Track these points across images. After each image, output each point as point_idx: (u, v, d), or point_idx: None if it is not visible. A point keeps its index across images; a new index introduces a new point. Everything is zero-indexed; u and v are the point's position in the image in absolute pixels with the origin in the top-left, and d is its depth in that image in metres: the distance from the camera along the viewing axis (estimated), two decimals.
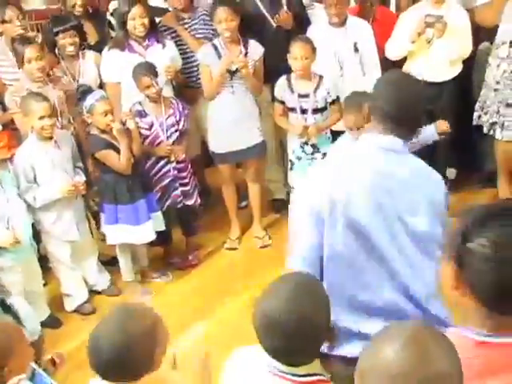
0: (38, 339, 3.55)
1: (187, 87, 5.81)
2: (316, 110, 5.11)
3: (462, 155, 6.04)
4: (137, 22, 5.24)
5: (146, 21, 5.28)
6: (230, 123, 5.43)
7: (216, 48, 5.34)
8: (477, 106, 5.50)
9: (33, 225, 4.84)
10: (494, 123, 5.43)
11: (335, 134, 5.04)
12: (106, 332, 2.37)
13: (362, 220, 2.65)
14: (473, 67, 5.70)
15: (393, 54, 5.50)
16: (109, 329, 2.39)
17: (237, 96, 5.36)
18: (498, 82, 5.35)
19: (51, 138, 4.77)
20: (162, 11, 5.84)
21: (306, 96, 5.10)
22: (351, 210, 2.64)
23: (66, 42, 5.37)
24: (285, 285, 2.28)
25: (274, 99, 5.37)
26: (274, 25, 5.71)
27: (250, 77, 5.30)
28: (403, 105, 2.73)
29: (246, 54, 5.35)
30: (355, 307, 2.77)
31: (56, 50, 5.48)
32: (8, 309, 3.52)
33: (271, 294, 2.25)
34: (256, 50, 5.39)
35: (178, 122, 5.26)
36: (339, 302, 2.65)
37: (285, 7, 5.73)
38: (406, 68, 5.54)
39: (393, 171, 2.68)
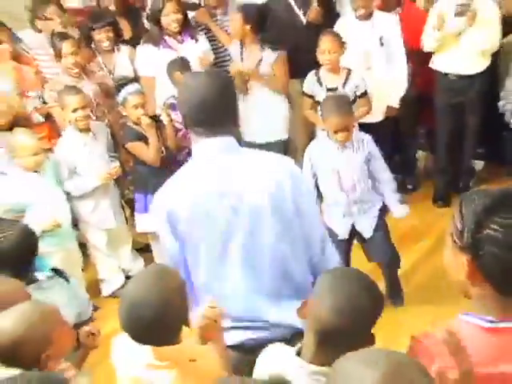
0: (88, 320, 3.52)
1: None
2: None
3: (490, 147, 6.09)
4: (171, 17, 5.39)
5: (180, 17, 5.42)
6: (254, 116, 5.53)
7: (242, 47, 5.50)
8: (501, 94, 5.54)
9: (72, 213, 4.96)
10: None
11: (363, 127, 5.07)
12: (140, 291, 2.37)
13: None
14: (500, 59, 5.73)
15: (428, 45, 5.57)
16: (144, 288, 2.38)
17: (265, 97, 5.52)
18: None
19: (88, 129, 4.93)
20: (194, 6, 5.96)
21: (335, 89, 5.13)
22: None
23: (102, 37, 5.59)
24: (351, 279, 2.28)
25: (303, 93, 5.42)
26: (304, 20, 5.83)
27: (262, 82, 5.45)
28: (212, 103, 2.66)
29: (260, 60, 5.44)
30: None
31: (92, 45, 5.65)
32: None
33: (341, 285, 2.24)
34: (270, 55, 5.46)
35: None
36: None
37: (315, 3, 5.81)
38: (434, 61, 5.64)
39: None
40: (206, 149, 2.69)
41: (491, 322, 1.83)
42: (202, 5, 6.05)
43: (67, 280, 3.47)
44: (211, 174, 2.65)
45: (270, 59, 5.44)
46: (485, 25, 5.32)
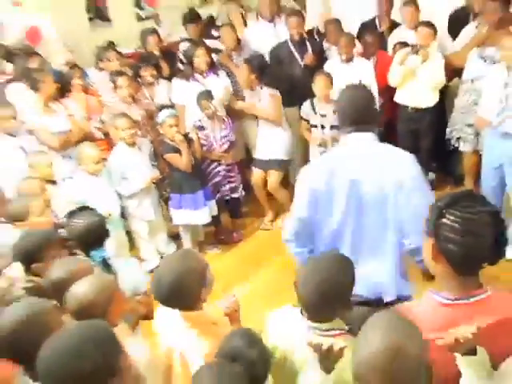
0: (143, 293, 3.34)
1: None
2: (333, 127, 5.22)
3: (439, 163, 6.17)
4: (201, 59, 5.52)
5: (208, 59, 5.55)
6: (263, 139, 5.68)
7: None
8: (448, 124, 5.65)
9: (121, 208, 5.05)
10: (458, 138, 5.56)
11: None
12: (167, 264, 2.48)
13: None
14: (446, 97, 5.85)
15: (393, 81, 5.62)
16: (170, 262, 2.48)
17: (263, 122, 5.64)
18: (463, 107, 5.44)
19: (134, 143, 5.05)
20: (217, 50, 6.06)
21: (325, 116, 5.26)
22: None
23: (147, 74, 5.70)
24: (321, 261, 2.33)
25: (301, 118, 5.55)
26: (302, 64, 5.93)
27: (258, 113, 5.59)
28: (358, 107, 2.75)
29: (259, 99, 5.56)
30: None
31: (139, 80, 5.76)
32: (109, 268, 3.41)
33: (311, 268, 2.30)
34: (266, 91, 5.56)
35: (228, 135, 5.45)
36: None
37: (310, 50, 5.95)
38: (397, 96, 5.71)
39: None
40: (352, 140, 2.75)
41: (448, 299, 1.90)
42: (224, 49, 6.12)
43: (111, 272, 3.36)
44: (348, 161, 2.70)
45: (266, 94, 5.54)
46: (433, 66, 5.42)
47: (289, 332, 2.33)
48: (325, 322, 2.25)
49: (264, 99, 5.55)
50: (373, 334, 1.62)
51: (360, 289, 2.52)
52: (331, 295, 2.21)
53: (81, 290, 2.46)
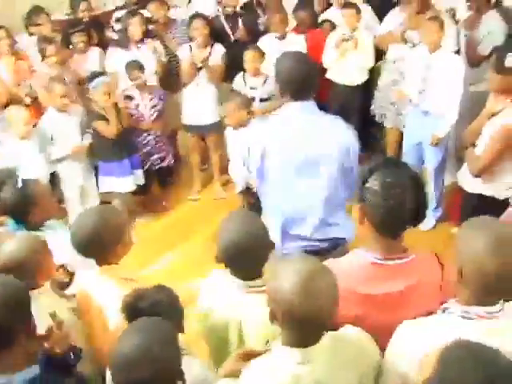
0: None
1: (171, 76, 6.05)
2: (263, 99, 5.33)
3: (364, 138, 6.37)
4: (135, 28, 5.61)
5: (143, 28, 5.66)
6: (194, 105, 5.75)
7: (191, 49, 5.65)
8: (372, 101, 5.96)
9: (51, 174, 5.08)
10: (381, 115, 5.88)
11: None
12: (85, 215, 2.53)
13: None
14: (371, 77, 6.08)
15: (327, 62, 5.85)
16: (89, 214, 2.54)
17: (200, 87, 5.67)
18: (385, 86, 5.75)
19: (65, 110, 5.07)
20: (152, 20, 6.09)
21: (255, 88, 5.37)
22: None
23: (78, 40, 5.73)
24: (234, 218, 2.40)
25: (232, 91, 5.53)
26: (233, 38, 6.07)
27: (208, 68, 5.58)
28: (299, 76, 2.83)
29: (210, 52, 5.61)
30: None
31: (70, 46, 5.80)
32: None
33: (227, 225, 2.35)
34: (220, 48, 5.70)
35: (157, 104, 5.55)
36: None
37: (241, 25, 6.08)
38: (329, 73, 5.92)
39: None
40: (294, 109, 2.86)
41: (377, 258, 2.03)
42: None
43: None
44: (293, 128, 2.85)
45: (220, 51, 5.66)
46: (363, 49, 5.69)
47: (221, 295, 2.36)
48: (251, 279, 2.29)
49: (216, 55, 5.65)
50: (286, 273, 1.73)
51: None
52: (246, 247, 2.24)
53: (11, 247, 2.50)
